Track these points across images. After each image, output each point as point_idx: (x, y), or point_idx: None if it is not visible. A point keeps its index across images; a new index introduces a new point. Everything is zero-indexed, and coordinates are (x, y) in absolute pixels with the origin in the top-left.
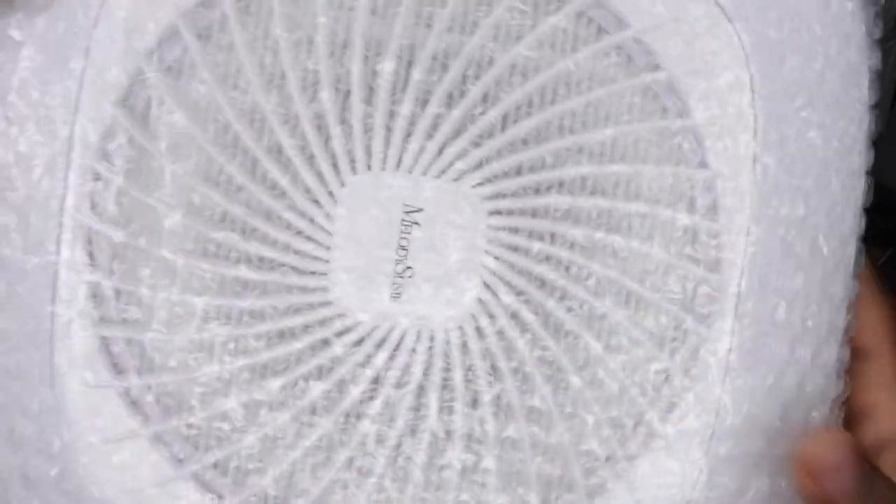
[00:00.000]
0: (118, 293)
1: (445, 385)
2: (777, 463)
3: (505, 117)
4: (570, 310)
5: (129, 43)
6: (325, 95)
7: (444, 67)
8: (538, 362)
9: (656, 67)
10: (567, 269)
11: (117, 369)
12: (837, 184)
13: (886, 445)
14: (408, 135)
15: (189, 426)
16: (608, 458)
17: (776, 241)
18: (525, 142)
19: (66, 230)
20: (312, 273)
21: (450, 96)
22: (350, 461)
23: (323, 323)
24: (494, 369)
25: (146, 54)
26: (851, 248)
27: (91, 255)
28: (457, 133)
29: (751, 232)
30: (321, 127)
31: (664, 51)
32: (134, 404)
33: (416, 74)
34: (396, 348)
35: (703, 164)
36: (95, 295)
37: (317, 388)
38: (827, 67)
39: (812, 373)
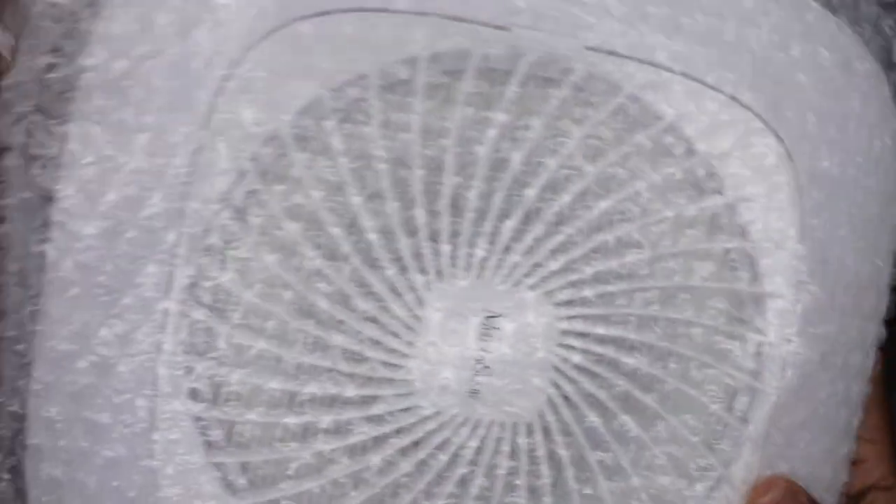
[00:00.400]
0: (216, 384)
1: (511, 473)
2: None
3: (581, 231)
4: (629, 411)
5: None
6: (419, 212)
7: (524, 185)
8: (599, 463)
9: (718, 191)
10: (633, 374)
11: (213, 453)
12: (870, 302)
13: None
14: (485, 247)
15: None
16: None
17: (816, 353)
18: (598, 251)
19: (167, 328)
20: (397, 368)
21: (528, 212)
22: None
23: (406, 413)
24: (558, 461)
25: (251, 159)
26: (871, 357)
27: (192, 346)
28: (535, 245)
29: (792, 344)
30: (413, 237)
31: (728, 176)
32: (229, 486)
33: (497, 195)
34: (472, 439)
35: (754, 281)
36: (195, 387)
37: (401, 469)
38: (869, 198)
39: (829, 462)
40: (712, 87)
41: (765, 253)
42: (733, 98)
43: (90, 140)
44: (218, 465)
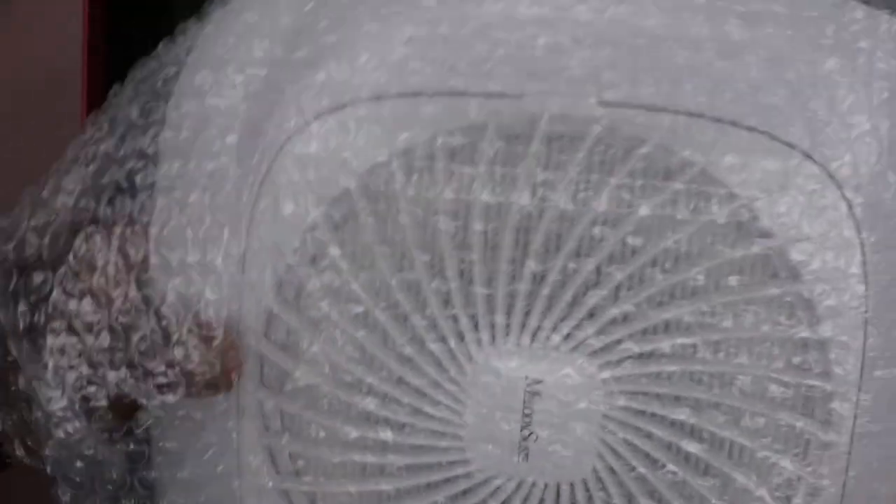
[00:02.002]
0: (291, 455)
1: None
2: None
3: (616, 291)
4: (676, 482)
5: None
6: (453, 285)
7: (557, 250)
8: None
9: (767, 234)
10: (677, 436)
11: None
12: None
13: None
14: (526, 313)
15: None
16: None
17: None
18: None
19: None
20: (451, 439)
21: (562, 277)
22: None
23: (463, 481)
24: None
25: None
26: None
27: (266, 427)
28: (570, 310)
29: (860, 395)
30: (449, 307)
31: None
32: None
33: (531, 262)
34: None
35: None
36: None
37: None
38: None
39: None
40: (744, 127)
41: (824, 295)
42: (771, 135)
43: None
44: None
